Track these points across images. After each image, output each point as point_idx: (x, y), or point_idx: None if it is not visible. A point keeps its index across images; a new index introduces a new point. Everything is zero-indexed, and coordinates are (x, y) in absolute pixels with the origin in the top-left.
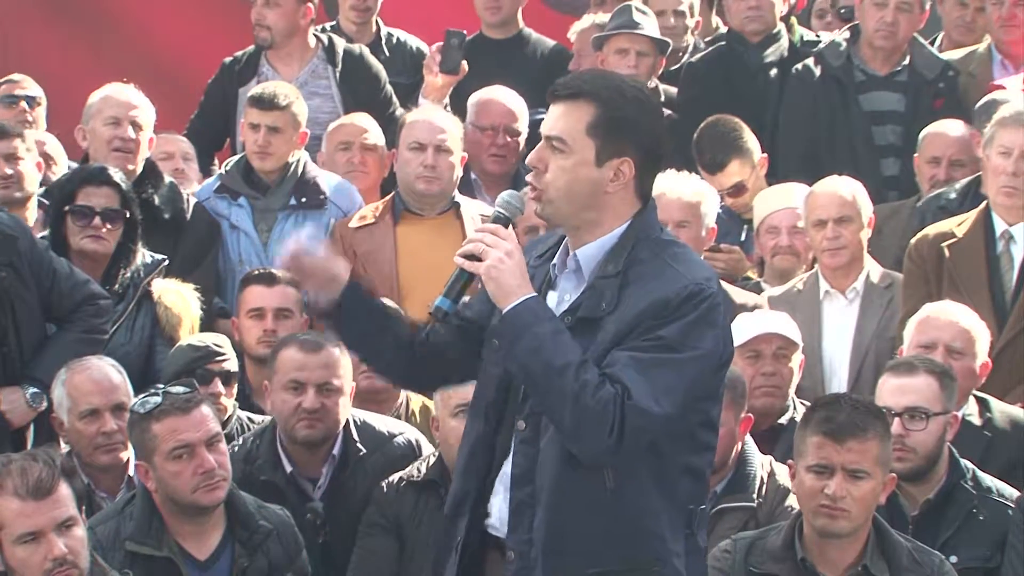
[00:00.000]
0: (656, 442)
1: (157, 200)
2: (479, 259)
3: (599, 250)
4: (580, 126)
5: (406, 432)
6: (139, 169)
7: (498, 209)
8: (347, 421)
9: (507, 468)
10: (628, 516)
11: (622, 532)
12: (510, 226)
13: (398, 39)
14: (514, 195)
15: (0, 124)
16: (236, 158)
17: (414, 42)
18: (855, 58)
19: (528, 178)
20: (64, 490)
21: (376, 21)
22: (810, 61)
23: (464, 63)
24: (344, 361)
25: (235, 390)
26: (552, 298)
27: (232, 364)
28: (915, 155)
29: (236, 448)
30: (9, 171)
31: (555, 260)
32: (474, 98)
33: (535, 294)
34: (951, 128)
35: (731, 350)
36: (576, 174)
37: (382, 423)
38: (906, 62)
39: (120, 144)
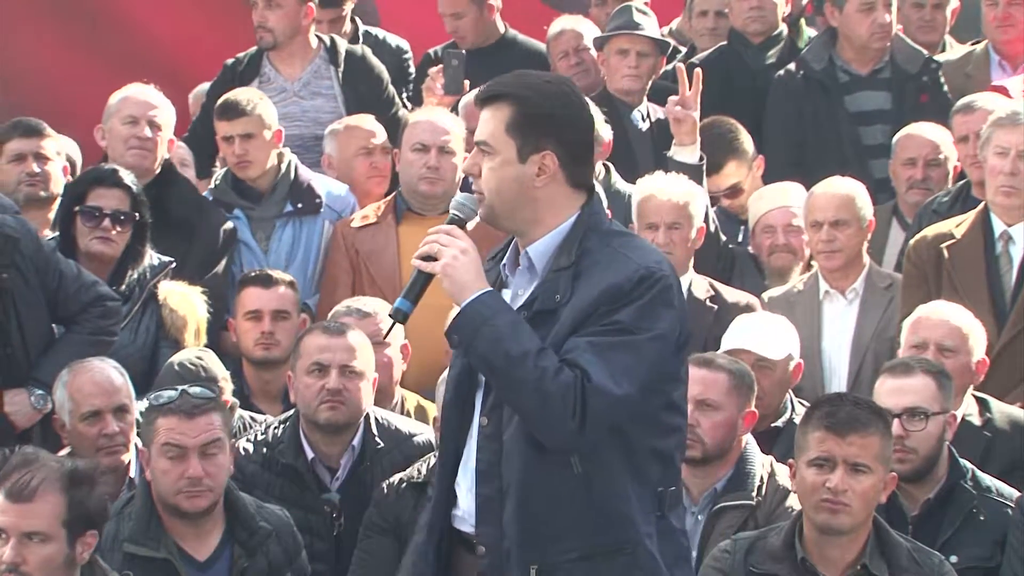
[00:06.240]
0: (621, 427)
1: (172, 202)
2: (435, 260)
3: (549, 245)
4: (501, 127)
5: (426, 433)
6: (157, 169)
7: (453, 212)
8: (368, 415)
9: (471, 463)
10: (598, 502)
11: (592, 518)
12: (465, 227)
13: (377, 37)
14: (468, 197)
15: (29, 122)
16: (222, 171)
17: (393, 40)
18: (837, 59)
19: (473, 185)
20: (45, 506)
21: (354, 19)
22: (792, 65)
23: (467, 82)
24: (366, 347)
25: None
26: (505, 296)
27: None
28: (890, 160)
29: (258, 435)
30: (37, 169)
31: (505, 260)
32: (460, 103)
33: (491, 289)
34: (925, 130)
35: (688, 331)
36: (503, 173)
37: (403, 423)
38: (887, 58)
39: (137, 143)
